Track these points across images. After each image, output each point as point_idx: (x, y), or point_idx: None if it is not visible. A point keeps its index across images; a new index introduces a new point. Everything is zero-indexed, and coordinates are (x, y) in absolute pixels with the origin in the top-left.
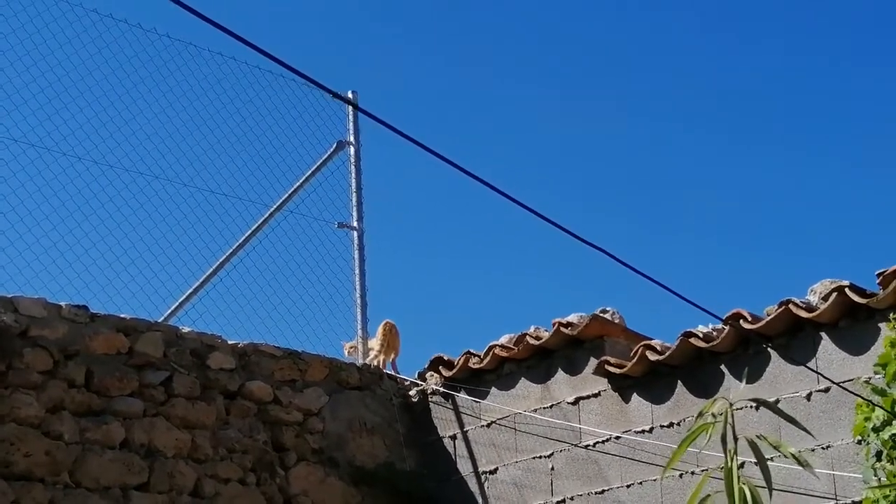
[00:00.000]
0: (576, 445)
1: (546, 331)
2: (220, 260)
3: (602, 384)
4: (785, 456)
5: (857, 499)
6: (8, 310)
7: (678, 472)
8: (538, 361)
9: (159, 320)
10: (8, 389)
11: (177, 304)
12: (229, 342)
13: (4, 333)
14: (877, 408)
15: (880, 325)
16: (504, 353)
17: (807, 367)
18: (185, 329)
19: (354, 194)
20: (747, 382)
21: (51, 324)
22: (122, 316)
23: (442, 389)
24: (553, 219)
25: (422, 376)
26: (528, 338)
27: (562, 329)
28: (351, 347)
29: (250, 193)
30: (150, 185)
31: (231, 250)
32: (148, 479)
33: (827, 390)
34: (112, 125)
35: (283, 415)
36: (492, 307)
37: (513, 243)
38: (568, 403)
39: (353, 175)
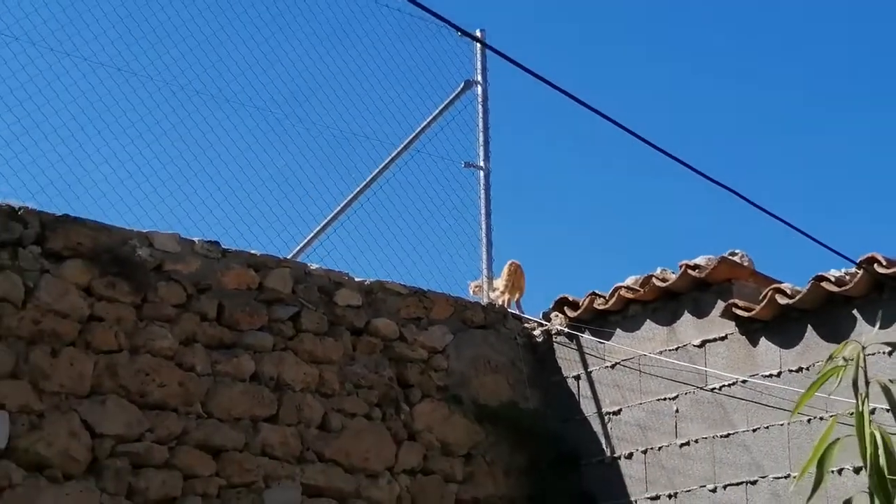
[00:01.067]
0: (701, 388)
1: (673, 273)
2: (348, 198)
3: (729, 327)
4: None
5: None
6: (143, 244)
7: (806, 417)
8: (664, 304)
9: (288, 257)
10: (143, 322)
11: (305, 241)
12: (356, 279)
13: (140, 267)
14: None
15: None
16: (630, 295)
17: None
18: (313, 266)
19: (481, 134)
20: (881, 327)
21: (184, 259)
22: (253, 252)
23: (566, 330)
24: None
25: (546, 316)
26: (654, 279)
27: (689, 271)
28: (476, 286)
29: (378, 133)
30: (281, 125)
31: (358, 189)
32: (277, 412)
33: None
34: (245, 65)
35: (408, 352)
36: (617, 248)
37: (639, 185)
38: (694, 346)
39: (480, 115)
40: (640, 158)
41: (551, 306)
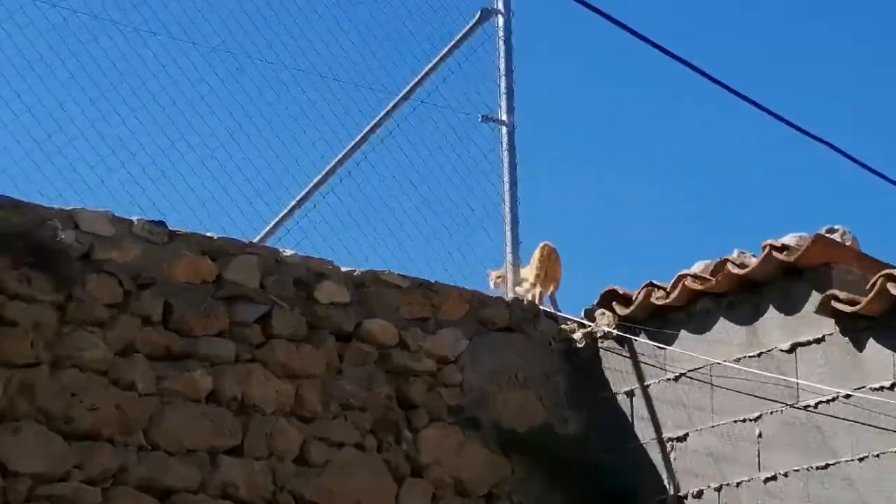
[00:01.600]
0: (791, 406)
1: (753, 256)
2: (331, 164)
3: (827, 326)
4: None
5: None
6: (67, 226)
7: None
8: (742, 296)
9: (255, 241)
10: (68, 327)
11: (277, 219)
12: (343, 269)
13: (62, 256)
14: None
15: None
16: (697, 286)
17: None
18: (288, 252)
19: (503, 79)
20: None
21: (120, 244)
22: (210, 235)
23: (616, 332)
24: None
25: (590, 315)
26: (729, 265)
27: (775, 254)
28: (498, 277)
29: (369, 79)
30: (243, 69)
31: (345, 151)
32: (241, 442)
33: None
34: None
35: (410, 362)
36: (679, 226)
37: (706, 147)
38: (781, 351)
39: (502, 54)
40: (708, 107)
41: (596, 302)
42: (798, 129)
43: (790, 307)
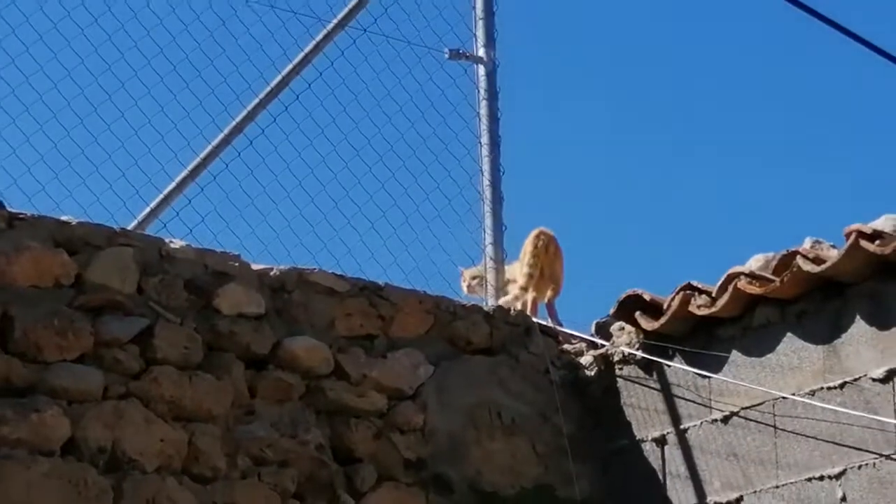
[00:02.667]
0: (888, 457)
1: (833, 248)
2: (237, 118)
3: None
4: None
5: None
6: None
7: None
8: (818, 303)
9: (129, 227)
10: None
11: (161, 197)
12: (254, 267)
13: None
14: None
15: None
16: (755, 288)
17: None
18: (176, 242)
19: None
20: None
21: None
22: (66, 219)
23: (640, 354)
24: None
25: (603, 330)
26: (800, 260)
27: (864, 244)
28: (474, 278)
29: (293, 2)
30: None
31: (256, 101)
32: None
33: None
34: None
35: (351, 398)
36: (729, 210)
37: (759, 104)
38: (873, 380)
39: None
40: (750, 50)
41: (612, 312)
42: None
43: (885, 318)
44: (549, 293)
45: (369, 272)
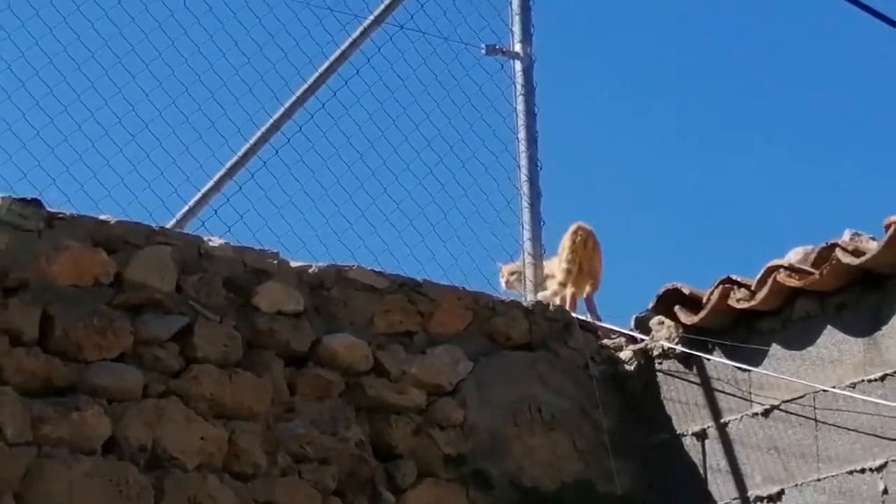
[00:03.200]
0: None
1: (873, 239)
2: (275, 116)
3: None
4: None
5: None
6: None
7: None
8: (859, 295)
9: (168, 226)
10: None
11: (199, 195)
12: (293, 264)
13: None
14: None
15: None
16: (795, 281)
17: None
18: (214, 241)
19: None
20: None
21: None
22: (104, 218)
23: (680, 348)
24: None
25: (643, 325)
26: (839, 252)
27: None
28: (512, 274)
29: None
30: None
31: (293, 98)
32: None
33: None
34: None
35: (391, 394)
36: (764, 206)
37: (798, 97)
38: None
39: None
40: (787, 45)
41: (651, 306)
42: None
43: None
44: (587, 288)
45: (408, 269)
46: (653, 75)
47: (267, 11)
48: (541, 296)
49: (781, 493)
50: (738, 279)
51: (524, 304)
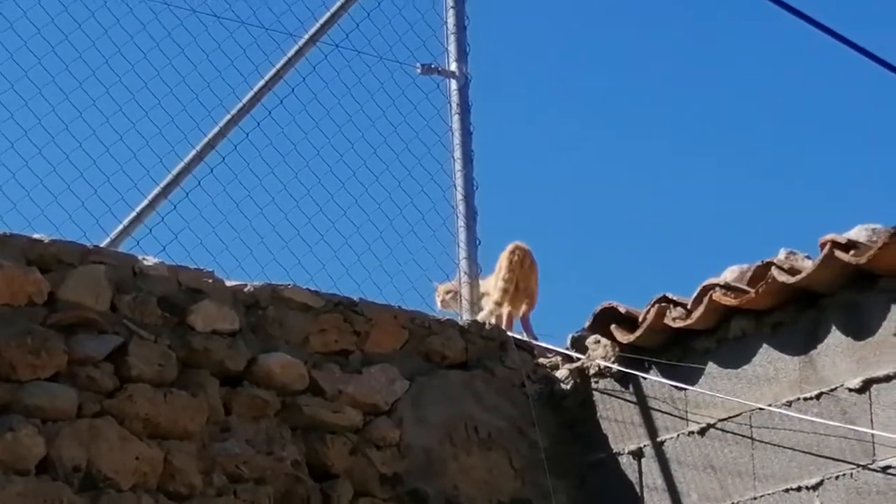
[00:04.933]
0: (865, 467)
1: (808, 258)
2: (209, 135)
3: None
4: None
5: None
6: None
7: None
8: (794, 314)
9: (102, 245)
10: None
11: (133, 214)
12: (228, 283)
13: None
14: None
15: None
16: (730, 300)
17: None
18: (149, 259)
19: (450, 11)
20: None
21: None
22: (38, 237)
23: (616, 367)
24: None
25: (579, 344)
26: (774, 271)
27: (838, 254)
28: (448, 293)
29: (265, 17)
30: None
31: (228, 117)
32: None
33: None
34: None
35: (326, 413)
36: (699, 225)
37: (733, 116)
38: (849, 391)
39: None
40: (725, 55)
41: (587, 325)
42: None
43: (860, 328)
44: (523, 307)
45: (343, 288)
46: (589, 94)
47: (202, 30)
48: (479, 315)
49: None
50: (674, 298)
51: (460, 323)
